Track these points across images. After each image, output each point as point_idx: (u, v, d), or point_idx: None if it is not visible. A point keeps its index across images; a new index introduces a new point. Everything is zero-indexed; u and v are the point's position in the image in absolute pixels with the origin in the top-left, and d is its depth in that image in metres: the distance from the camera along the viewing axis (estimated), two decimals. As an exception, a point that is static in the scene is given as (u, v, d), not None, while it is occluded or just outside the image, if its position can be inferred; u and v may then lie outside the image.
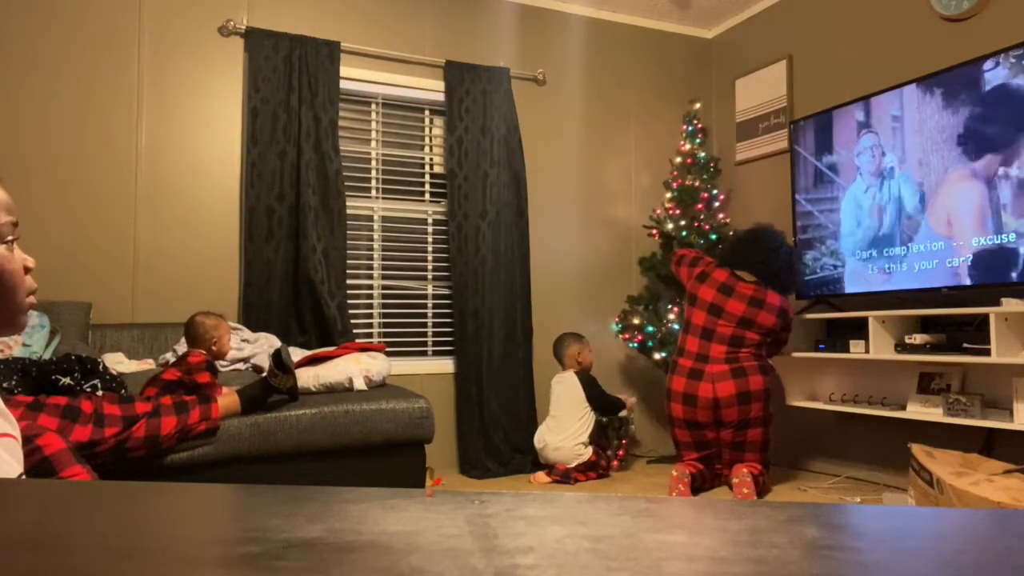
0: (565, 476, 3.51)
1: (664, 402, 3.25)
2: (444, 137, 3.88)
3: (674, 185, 4.10)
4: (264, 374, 2.42)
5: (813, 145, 3.57)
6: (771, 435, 3.24)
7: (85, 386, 2.17)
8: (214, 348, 2.54)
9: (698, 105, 4.24)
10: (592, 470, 3.54)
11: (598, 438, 3.75)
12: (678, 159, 4.15)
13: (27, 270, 1.01)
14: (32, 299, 1.01)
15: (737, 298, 3.17)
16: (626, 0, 4.22)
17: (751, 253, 3.26)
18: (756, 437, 3.11)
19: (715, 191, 4.07)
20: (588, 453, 3.57)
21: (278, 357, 2.34)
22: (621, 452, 3.79)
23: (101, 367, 2.28)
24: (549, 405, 3.71)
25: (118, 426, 2.00)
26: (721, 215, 4.12)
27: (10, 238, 0.97)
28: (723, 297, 3.19)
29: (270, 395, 2.35)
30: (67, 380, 2.15)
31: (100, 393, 2.17)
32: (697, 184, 4.06)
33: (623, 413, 3.77)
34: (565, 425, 3.58)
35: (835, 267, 3.43)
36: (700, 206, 4.02)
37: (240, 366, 2.92)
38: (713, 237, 3.95)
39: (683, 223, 3.99)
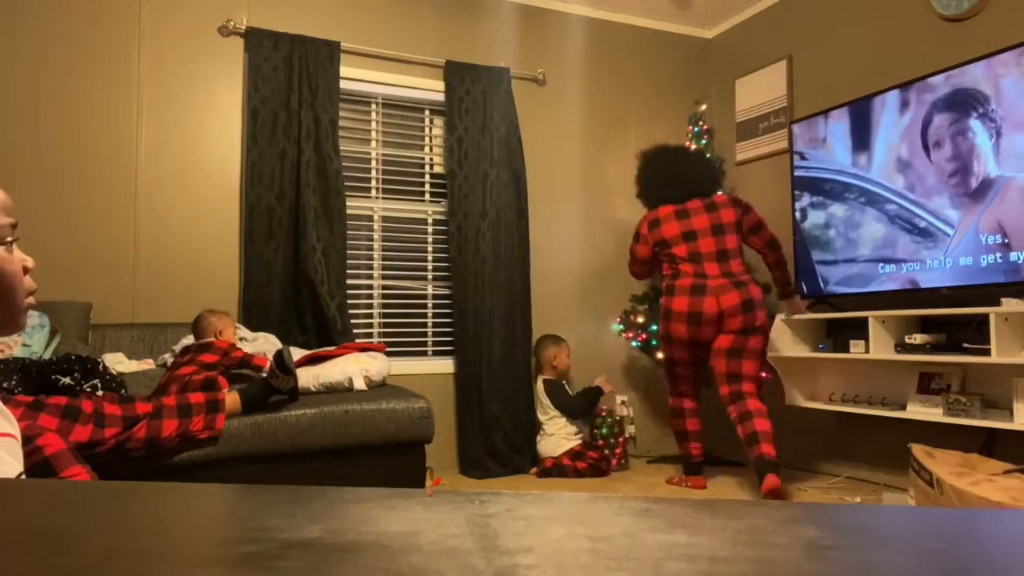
0: (556, 468, 3.60)
1: (662, 324, 3.25)
2: (444, 137, 3.88)
3: None
4: (265, 374, 2.42)
5: (813, 145, 3.56)
6: (765, 359, 3.30)
7: (85, 386, 2.17)
8: (218, 339, 2.64)
9: (704, 107, 4.23)
10: (580, 459, 3.61)
11: (594, 438, 3.79)
12: None
13: (26, 271, 1.01)
14: (31, 300, 1.01)
15: (695, 215, 3.28)
16: (626, 0, 4.22)
17: (669, 182, 3.37)
18: (757, 344, 3.15)
19: (719, 191, 4.04)
20: (575, 441, 3.69)
21: (280, 358, 2.35)
22: (620, 451, 3.79)
23: (101, 367, 2.28)
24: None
25: (118, 426, 2.00)
26: None
27: (9, 239, 0.97)
28: (685, 223, 3.28)
29: (271, 395, 2.36)
30: (67, 380, 2.15)
31: (100, 393, 2.17)
32: None
33: (607, 399, 3.82)
34: (554, 422, 3.74)
35: (835, 267, 3.43)
36: None
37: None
38: None
39: None
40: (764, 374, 3.35)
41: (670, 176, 3.38)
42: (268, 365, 2.42)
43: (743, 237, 3.32)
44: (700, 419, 3.37)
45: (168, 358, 2.88)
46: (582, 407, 3.76)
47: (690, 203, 3.31)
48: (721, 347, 3.14)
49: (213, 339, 2.62)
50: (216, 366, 2.47)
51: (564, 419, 3.74)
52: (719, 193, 3.39)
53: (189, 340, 2.85)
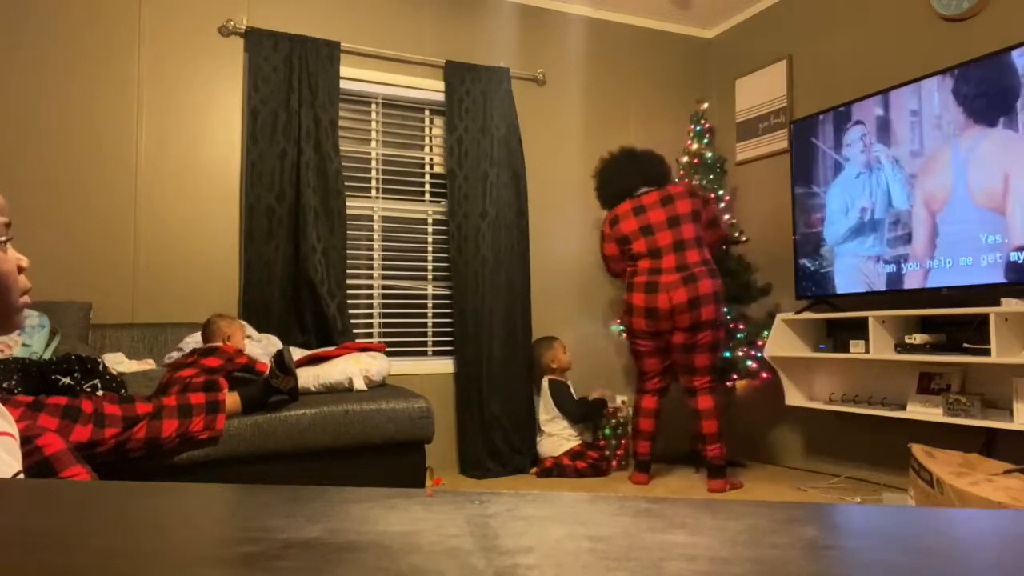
0: (556, 467, 3.60)
1: (625, 319, 3.43)
2: (444, 137, 3.88)
3: None
4: (265, 375, 2.42)
5: (814, 144, 3.56)
6: (721, 344, 3.39)
7: (85, 386, 2.17)
8: (226, 343, 2.64)
9: (706, 105, 4.23)
10: (580, 459, 3.61)
11: (596, 437, 3.80)
12: (684, 158, 4.12)
13: (21, 270, 1.00)
14: (26, 299, 1.01)
15: (652, 208, 3.38)
16: (626, 0, 4.22)
17: (618, 174, 3.53)
18: (705, 339, 3.27)
19: (721, 191, 4.04)
20: (575, 442, 3.70)
21: (280, 358, 2.35)
22: (620, 452, 3.79)
23: (101, 367, 2.28)
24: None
25: (118, 427, 2.00)
26: (727, 216, 4.01)
27: (3, 239, 0.97)
28: (643, 218, 3.39)
29: (271, 395, 2.36)
30: (67, 380, 2.15)
31: (100, 393, 2.18)
32: (704, 184, 4.02)
33: (609, 407, 3.82)
34: (554, 423, 3.74)
35: (835, 267, 3.43)
36: None
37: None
38: None
39: None
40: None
41: (617, 170, 3.56)
42: (268, 366, 2.42)
43: (696, 227, 3.38)
44: (656, 420, 3.44)
45: (176, 355, 2.88)
46: (583, 415, 3.76)
47: (646, 198, 3.42)
48: (676, 342, 3.31)
49: (220, 344, 2.61)
50: (219, 371, 2.46)
51: (559, 418, 3.74)
52: (674, 184, 3.49)
53: (196, 341, 2.85)
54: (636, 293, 3.35)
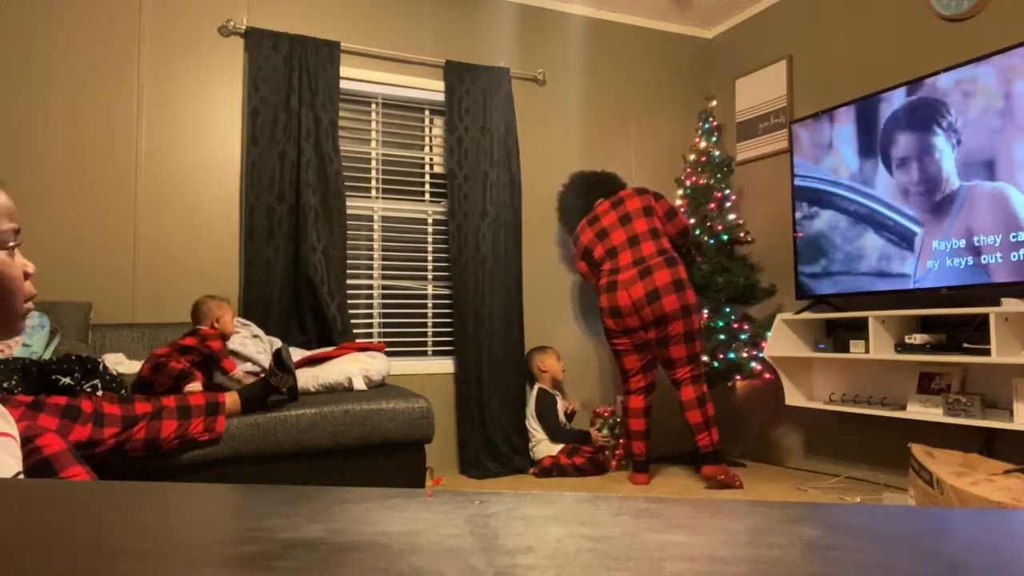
0: (555, 466, 3.60)
1: (602, 321, 3.51)
2: (444, 137, 3.88)
3: (687, 183, 4.03)
4: (264, 374, 2.42)
5: (814, 144, 3.57)
6: (698, 331, 3.38)
7: (85, 386, 2.17)
8: (216, 326, 2.62)
9: (715, 103, 4.21)
10: (578, 455, 3.61)
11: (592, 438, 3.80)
12: (692, 156, 4.08)
13: (27, 275, 1.01)
14: (30, 305, 1.01)
15: (604, 216, 3.52)
16: (626, 0, 4.22)
17: (575, 195, 3.75)
18: (677, 330, 3.30)
19: (728, 191, 3.99)
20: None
21: (278, 357, 2.35)
22: (619, 451, 3.79)
23: (101, 367, 2.28)
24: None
25: (117, 426, 2.00)
26: (733, 216, 3.95)
27: (11, 244, 0.97)
28: (597, 225, 3.53)
29: (270, 395, 2.36)
30: (67, 380, 2.15)
31: (100, 393, 2.18)
32: (710, 183, 3.98)
33: (594, 439, 3.79)
34: (539, 430, 3.76)
35: (835, 267, 3.43)
36: (713, 205, 3.93)
37: (250, 366, 2.90)
38: (724, 238, 3.88)
39: (694, 221, 3.94)
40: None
41: (574, 191, 3.76)
42: (268, 365, 2.42)
43: (649, 221, 3.44)
44: (646, 419, 3.45)
45: None
46: (562, 437, 3.71)
47: (599, 208, 3.57)
48: (650, 338, 3.36)
49: (200, 327, 2.61)
50: (191, 350, 2.44)
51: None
52: (624, 189, 3.63)
53: None
54: (602, 295, 3.45)
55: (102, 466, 1.95)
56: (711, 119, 4.10)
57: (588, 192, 3.71)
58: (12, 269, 0.97)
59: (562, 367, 3.89)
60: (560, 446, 3.67)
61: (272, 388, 2.35)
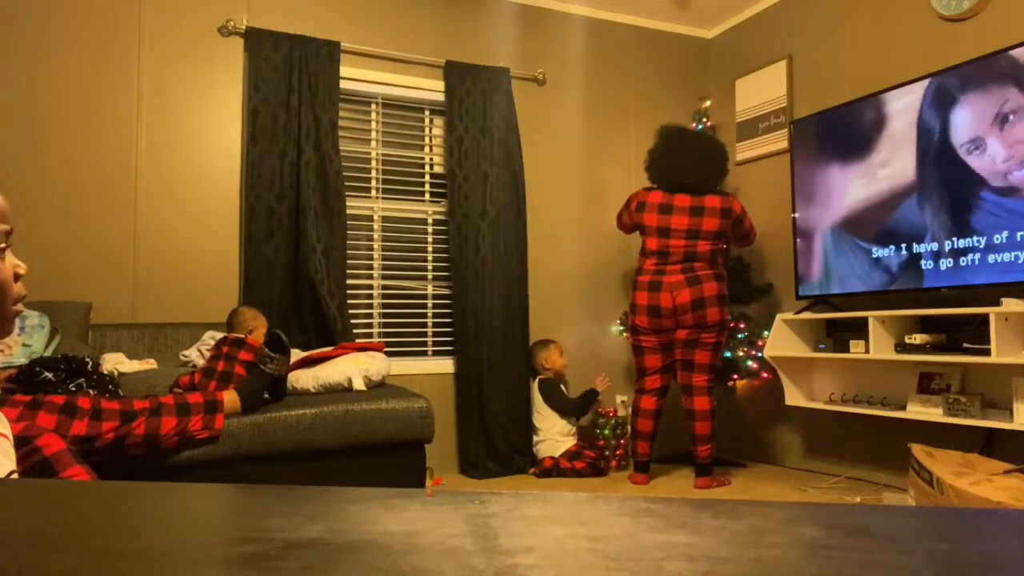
0: (555, 468, 3.61)
1: (630, 316, 3.46)
2: (444, 137, 3.88)
3: None
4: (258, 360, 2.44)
5: (814, 144, 3.56)
6: (722, 347, 3.43)
7: (70, 385, 2.17)
8: (249, 336, 2.69)
9: (708, 103, 4.22)
10: (578, 459, 3.61)
11: (595, 437, 3.80)
12: None
13: (17, 277, 1.00)
14: (20, 307, 1.00)
15: (678, 213, 3.33)
16: (626, 0, 4.22)
17: (665, 167, 3.42)
18: (709, 339, 3.31)
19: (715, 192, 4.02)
20: (571, 442, 3.71)
21: (276, 338, 2.37)
22: (620, 452, 3.79)
23: (90, 367, 2.28)
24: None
25: (116, 420, 2.00)
26: None
27: (2, 246, 0.97)
28: (665, 217, 3.35)
29: (266, 385, 2.38)
30: (48, 375, 2.15)
31: (92, 392, 2.18)
32: None
33: (600, 404, 3.82)
34: (548, 422, 3.74)
35: (835, 267, 3.43)
36: None
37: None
38: None
39: None
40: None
41: (667, 162, 3.42)
42: (261, 350, 2.43)
43: (714, 243, 3.33)
44: (655, 421, 3.44)
45: (190, 354, 2.85)
46: (575, 407, 3.77)
47: (679, 199, 3.35)
48: (679, 338, 3.35)
49: (245, 336, 2.65)
50: (241, 354, 2.55)
51: (557, 419, 3.74)
52: (713, 195, 3.35)
53: (213, 336, 2.84)
54: (639, 291, 3.37)
55: (102, 465, 1.95)
56: (705, 119, 4.11)
57: (682, 169, 3.36)
58: (2, 272, 0.96)
59: (564, 362, 3.89)
60: (566, 443, 3.67)
61: (265, 374, 2.37)
